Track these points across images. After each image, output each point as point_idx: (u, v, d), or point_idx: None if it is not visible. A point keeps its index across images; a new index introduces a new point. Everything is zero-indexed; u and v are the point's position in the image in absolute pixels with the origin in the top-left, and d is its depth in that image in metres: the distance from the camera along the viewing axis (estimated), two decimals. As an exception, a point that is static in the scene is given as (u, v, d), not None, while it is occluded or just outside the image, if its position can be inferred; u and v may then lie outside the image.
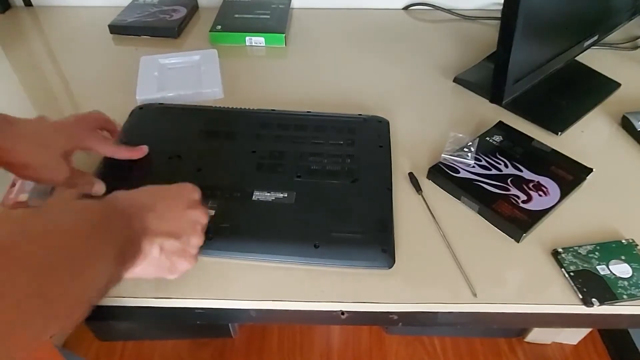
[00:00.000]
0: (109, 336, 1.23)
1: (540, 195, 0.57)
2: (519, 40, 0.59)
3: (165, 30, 0.91)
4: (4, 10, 0.98)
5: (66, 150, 0.52)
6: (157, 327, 1.20)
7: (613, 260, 0.51)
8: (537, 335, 1.24)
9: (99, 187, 0.55)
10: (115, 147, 0.58)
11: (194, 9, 0.98)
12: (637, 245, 0.53)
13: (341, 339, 1.26)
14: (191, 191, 0.47)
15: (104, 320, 1.03)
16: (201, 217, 0.47)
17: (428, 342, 1.26)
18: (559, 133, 0.68)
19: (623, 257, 0.51)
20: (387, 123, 0.68)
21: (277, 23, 0.91)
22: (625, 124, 0.70)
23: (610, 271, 0.50)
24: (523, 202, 0.56)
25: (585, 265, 0.51)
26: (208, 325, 1.19)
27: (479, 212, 0.56)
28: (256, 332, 1.27)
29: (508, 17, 0.57)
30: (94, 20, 0.95)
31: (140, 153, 0.59)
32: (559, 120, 0.70)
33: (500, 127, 0.66)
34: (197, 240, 0.46)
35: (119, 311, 0.50)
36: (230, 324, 1.19)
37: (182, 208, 0.45)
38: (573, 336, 1.24)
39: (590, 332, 1.24)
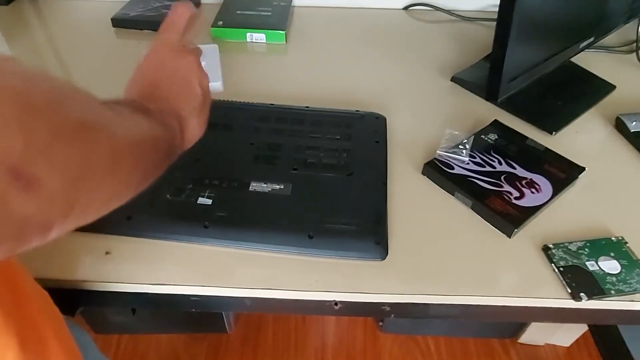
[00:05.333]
0: (104, 329, 1.24)
1: (532, 192, 0.57)
2: (514, 38, 0.60)
3: (167, 25, 0.91)
4: (8, 3, 0.99)
5: None
6: (153, 319, 1.21)
7: (602, 257, 0.52)
8: (531, 337, 1.24)
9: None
10: None
11: (196, 4, 0.99)
12: (626, 242, 0.54)
13: (335, 337, 1.27)
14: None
15: (99, 306, 1.04)
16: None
17: (422, 342, 1.27)
18: (553, 133, 0.69)
19: (612, 254, 0.52)
20: (384, 119, 0.69)
21: (278, 20, 0.91)
22: (619, 125, 0.71)
23: (599, 267, 0.51)
24: (515, 198, 0.57)
25: (574, 260, 0.52)
26: (203, 319, 1.20)
27: (472, 208, 0.57)
28: (251, 328, 1.28)
29: (503, 16, 0.59)
30: (96, 14, 0.96)
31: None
32: (553, 120, 0.71)
33: (496, 125, 0.67)
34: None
35: (114, 297, 0.51)
36: (225, 319, 1.20)
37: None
38: (566, 338, 1.25)
39: (583, 334, 1.25)
